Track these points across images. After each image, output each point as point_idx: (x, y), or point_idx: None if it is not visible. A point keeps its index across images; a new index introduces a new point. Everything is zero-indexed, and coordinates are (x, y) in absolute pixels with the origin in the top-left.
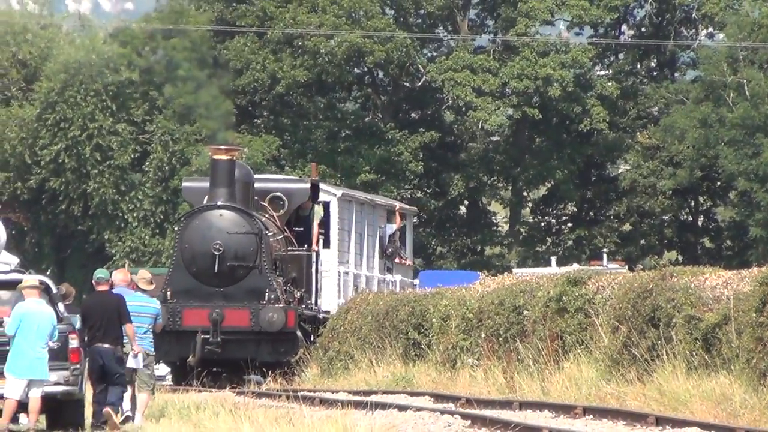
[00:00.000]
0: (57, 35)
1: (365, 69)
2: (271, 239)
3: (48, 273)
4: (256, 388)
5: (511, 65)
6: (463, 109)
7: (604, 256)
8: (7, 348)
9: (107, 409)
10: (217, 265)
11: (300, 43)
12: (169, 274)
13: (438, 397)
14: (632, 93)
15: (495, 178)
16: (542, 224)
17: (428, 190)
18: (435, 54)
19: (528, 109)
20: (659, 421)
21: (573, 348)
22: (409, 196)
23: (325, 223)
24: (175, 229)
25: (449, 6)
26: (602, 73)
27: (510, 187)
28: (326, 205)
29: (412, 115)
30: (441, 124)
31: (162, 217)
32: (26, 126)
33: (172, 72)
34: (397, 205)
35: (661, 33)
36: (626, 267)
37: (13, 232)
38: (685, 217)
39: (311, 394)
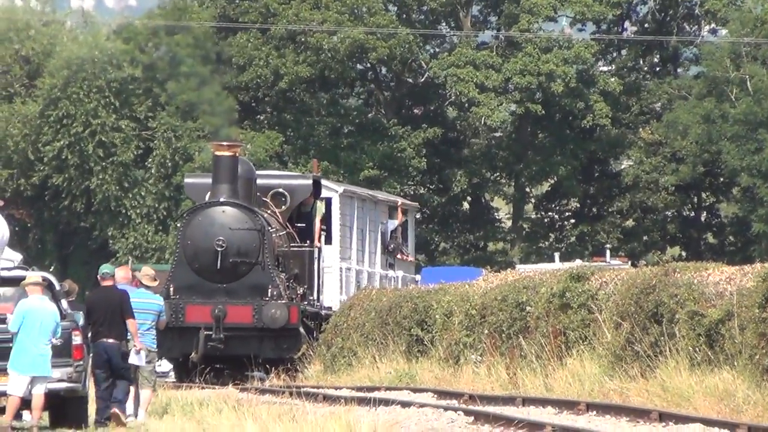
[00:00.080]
0: (60, 32)
1: (368, 65)
2: (273, 235)
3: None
4: (259, 384)
5: (514, 61)
6: (466, 105)
7: (607, 252)
8: (10, 345)
9: (115, 410)
10: (219, 262)
11: (303, 40)
12: (171, 271)
13: (441, 394)
14: (635, 89)
15: (498, 174)
16: (545, 220)
17: (431, 186)
18: (438, 50)
19: (531, 105)
20: (662, 417)
21: (576, 344)
22: (412, 192)
23: (327, 219)
24: (178, 225)
25: (452, 2)
26: (605, 69)
27: (513, 183)
28: (328, 201)
29: (415, 111)
30: (444, 120)
31: (165, 213)
32: (29, 122)
33: (175, 68)
34: (399, 200)
35: (663, 29)
36: (629, 263)
37: (16, 228)
38: (688, 212)
39: (314, 390)
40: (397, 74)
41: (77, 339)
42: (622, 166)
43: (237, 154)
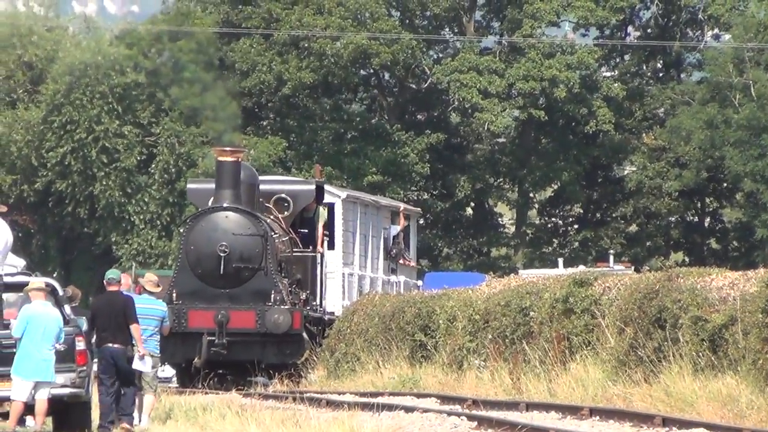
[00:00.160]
0: (63, 37)
1: (371, 71)
2: (276, 241)
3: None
4: (262, 389)
5: (517, 67)
6: (469, 110)
7: (611, 257)
8: (14, 350)
9: (125, 425)
10: (222, 267)
11: (306, 45)
12: (174, 276)
13: (444, 399)
14: (638, 94)
15: (501, 179)
16: (548, 226)
17: (434, 192)
18: (441, 55)
19: (534, 110)
20: (666, 422)
21: (579, 349)
22: (415, 197)
23: (330, 225)
24: (181, 230)
25: (455, 7)
26: (608, 74)
27: (516, 189)
28: (331, 207)
29: (418, 116)
30: (447, 125)
31: (168, 219)
32: (32, 128)
33: (178, 74)
34: (401, 206)
35: (666, 34)
36: (633, 268)
37: (20, 234)
38: (692, 218)
39: (318, 395)
40: (401, 80)
41: (80, 344)
42: (626, 172)
43: (240, 160)
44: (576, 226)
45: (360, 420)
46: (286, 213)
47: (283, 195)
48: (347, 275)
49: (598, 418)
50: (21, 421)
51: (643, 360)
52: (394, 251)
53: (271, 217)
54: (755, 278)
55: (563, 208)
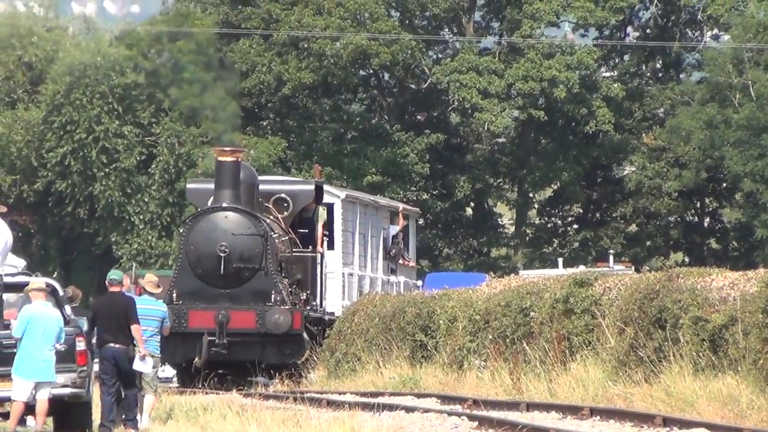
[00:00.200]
0: (62, 38)
1: (371, 71)
2: (276, 241)
3: (54, 275)
4: (263, 390)
5: (517, 67)
6: (469, 110)
7: (611, 257)
8: (14, 351)
9: (131, 431)
10: (222, 267)
11: (305, 46)
12: (174, 276)
13: (445, 399)
14: (638, 94)
15: (501, 179)
16: (548, 226)
17: (434, 192)
18: (440, 56)
19: (533, 110)
20: (666, 422)
21: (580, 349)
22: (415, 197)
23: (329, 225)
24: (181, 231)
25: (454, 8)
26: (607, 74)
27: (516, 189)
28: (330, 207)
29: (418, 117)
30: (447, 125)
31: (168, 219)
32: (32, 129)
33: (178, 74)
34: (400, 206)
35: (666, 34)
36: (633, 268)
37: (20, 234)
38: (692, 218)
39: (318, 395)
40: (400, 80)
41: (81, 345)
42: (625, 172)
43: (240, 160)
44: (576, 226)
45: (360, 420)
46: (285, 213)
47: (283, 195)
48: (347, 275)
49: (598, 418)
50: (22, 422)
51: (644, 360)
52: (394, 251)
53: (271, 217)
54: (755, 278)
55: (563, 208)
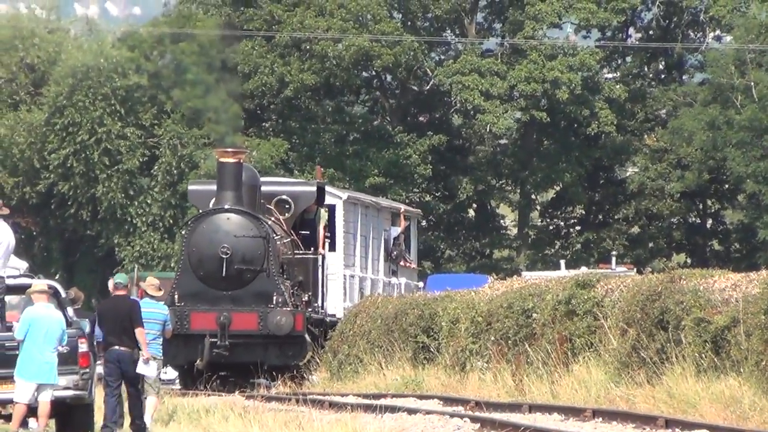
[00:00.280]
0: (65, 39)
1: (373, 73)
2: (278, 242)
3: (57, 277)
4: (265, 391)
5: (519, 68)
6: (471, 112)
7: (613, 259)
8: (17, 353)
9: None
10: (224, 269)
11: (308, 47)
12: (176, 278)
13: (447, 401)
14: (640, 96)
15: (503, 181)
16: (551, 227)
17: (437, 194)
18: (443, 57)
19: (536, 112)
20: (668, 423)
21: (582, 351)
22: (417, 199)
23: (330, 226)
24: (183, 232)
25: (457, 9)
26: (610, 76)
27: (518, 190)
28: (332, 208)
29: (420, 118)
30: (449, 127)
31: (171, 221)
32: (35, 130)
33: (180, 76)
34: (402, 207)
35: (668, 36)
36: (635, 270)
37: (22, 236)
38: (694, 219)
39: (320, 397)
40: (402, 82)
41: (83, 346)
42: (628, 173)
43: (242, 161)
44: (578, 228)
45: (363, 422)
46: (287, 215)
47: (284, 196)
48: (348, 277)
49: (600, 419)
50: (24, 424)
51: (646, 361)
52: (395, 253)
53: (272, 218)
54: (757, 280)
55: (565, 209)
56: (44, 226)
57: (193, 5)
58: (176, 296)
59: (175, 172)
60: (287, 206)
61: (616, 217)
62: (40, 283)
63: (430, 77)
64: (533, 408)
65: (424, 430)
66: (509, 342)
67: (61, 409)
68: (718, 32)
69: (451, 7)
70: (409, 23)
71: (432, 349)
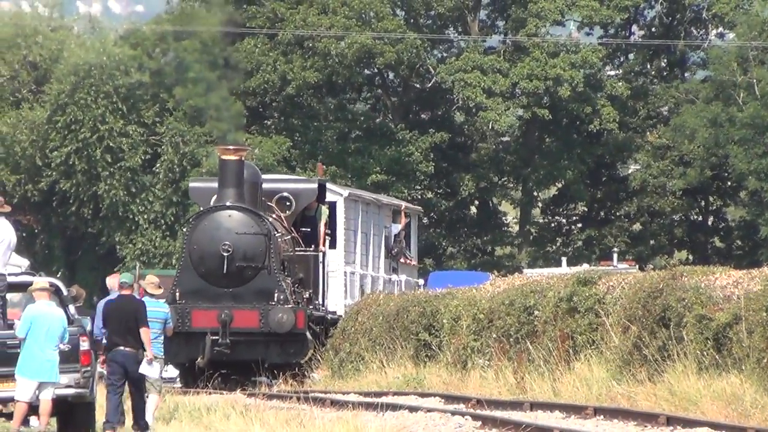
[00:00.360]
0: (67, 37)
1: (375, 70)
2: (279, 240)
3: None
4: (266, 389)
5: (521, 66)
6: (474, 109)
7: (615, 256)
8: (18, 350)
9: None
10: (225, 266)
11: (310, 45)
12: (177, 275)
13: (449, 398)
14: (642, 93)
15: (505, 178)
16: (552, 224)
17: (439, 191)
18: (445, 55)
19: (538, 109)
20: (670, 421)
21: (583, 348)
22: (419, 196)
23: (331, 223)
24: (184, 229)
25: (459, 7)
26: (612, 73)
27: (520, 188)
28: (333, 205)
29: (423, 115)
30: (451, 124)
31: (173, 218)
32: (37, 128)
33: (183, 74)
34: (402, 204)
35: (671, 33)
36: (636, 267)
37: (24, 234)
38: (696, 216)
39: (322, 395)
40: (405, 79)
41: (85, 344)
42: (630, 170)
43: (243, 159)
44: (580, 225)
45: (364, 420)
46: (288, 212)
47: (286, 194)
48: (349, 274)
49: (602, 417)
50: (25, 422)
51: (648, 359)
52: (396, 250)
53: (274, 216)
54: (759, 277)
55: (567, 206)
56: (46, 224)
57: (196, 3)
58: (177, 294)
59: (177, 169)
60: (288, 203)
61: (617, 214)
62: (41, 281)
63: (432, 75)
64: (534, 406)
65: (425, 428)
66: (511, 339)
67: (62, 408)
68: (720, 29)
69: (453, 5)
70: (412, 21)
71: (433, 347)
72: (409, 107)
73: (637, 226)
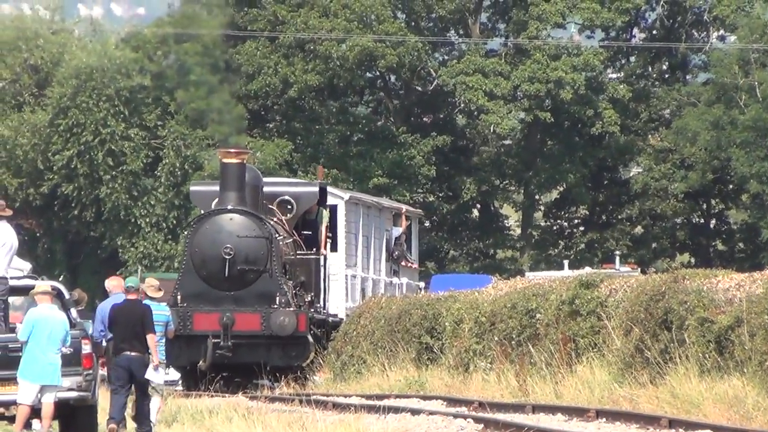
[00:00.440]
0: (69, 40)
1: (377, 73)
2: (280, 243)
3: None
4: (268, 392)
5: (523, 69)
6: (475, 112)
7: (617, 259)
8: (20, 354)
9: None
10: (227, 269)
11: (312, 48)
12: (179, 278)
13: (451, 401)
14: (644, 96)
15: (507, 181)
16: (554, 228)
17: (440, 194)
18: (447, 58)
19: (540, 112)
20: (672, 423)
21: (586, 351)
22: (421, 199)
23: (332, 227)
24: (185, 233)
25: (461, 10)
26: (614, 76)
27: (522, 191)
28: (334, 209)
29: (424, 119)
30: (453, 127)
31: (174, 222)
32: (38, 131)
33: (184, 77)
34: (403, 207)
35: (672, 36)
36: (639, 270)
37: (26, 238)
38: (698, 219)
39: (324, 398)
40: (406, 82)
41: (87, 348)
42: (632, 174)
43: (245, 162)
44: (582, 228)
45: (366, 422)
46: (289, 215)
47: (287, 197)
48: (350, 277)
49: (604, 420)
50: (27, 425)
51: (650, 362)
52: (396, 253)
53: (275, 219)
54: (761, 280)
55: (569, 209)
56: (48, 228)
57: (197, 6)
58: (179, 297)
59: (178, 173)
60: (289, 207)
61: (619, 217)
62: (43, 284)
63: (433, 77)
64: (537, 408)
65: (427, 430)
66: (513, 342)
67: (64, 411)
68: (722, 32)
69: (455, 8)
70: (413, 23)
71: (435, 350)
72: (410, 110)
73: (639, 230)
